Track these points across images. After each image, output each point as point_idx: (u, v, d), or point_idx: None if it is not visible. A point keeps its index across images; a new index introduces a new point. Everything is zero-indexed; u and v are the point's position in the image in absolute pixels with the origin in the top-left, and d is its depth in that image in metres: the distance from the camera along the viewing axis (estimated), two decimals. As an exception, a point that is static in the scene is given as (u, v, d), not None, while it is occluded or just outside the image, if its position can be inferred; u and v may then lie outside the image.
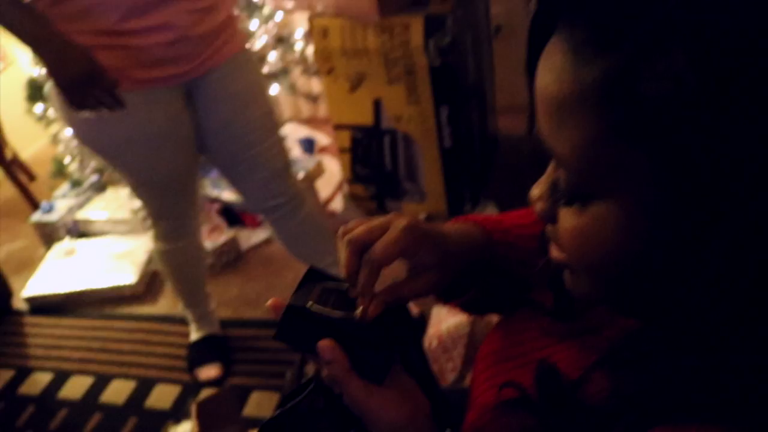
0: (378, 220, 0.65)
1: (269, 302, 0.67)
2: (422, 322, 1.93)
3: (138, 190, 1.76)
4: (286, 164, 1.83)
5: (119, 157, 1.64)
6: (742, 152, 0.38)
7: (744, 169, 0.38)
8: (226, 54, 1.61)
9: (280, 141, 1.80)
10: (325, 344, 0.61)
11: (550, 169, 0.53)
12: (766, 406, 0.43)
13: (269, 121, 1.76)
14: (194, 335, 2.17)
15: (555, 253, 0.55)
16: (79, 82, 1.39)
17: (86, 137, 1.61)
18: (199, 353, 2.13)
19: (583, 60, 0.42)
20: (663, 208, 0.43)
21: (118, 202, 2.97)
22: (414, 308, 2.11)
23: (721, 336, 0.43)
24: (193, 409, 1.70)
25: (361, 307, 0.63)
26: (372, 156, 2.54)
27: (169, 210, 1.81)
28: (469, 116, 2.47)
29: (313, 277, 0.68)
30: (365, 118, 2.45)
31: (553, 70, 0.45)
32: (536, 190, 0.54)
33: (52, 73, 1.41)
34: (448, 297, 0.79)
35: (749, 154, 0.38)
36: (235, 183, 1.82)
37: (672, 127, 0.39)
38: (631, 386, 0.49)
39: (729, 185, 0.39)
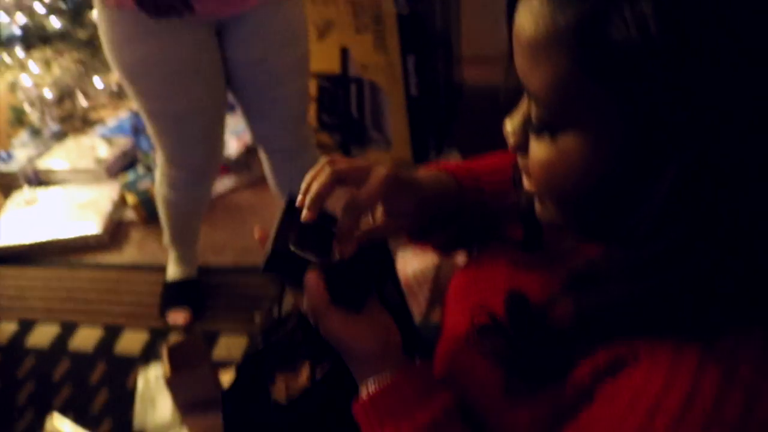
0: (361, 162, 0.70)
1: (256, 233, 0.71)
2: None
3: (155, 125, 1.67)
4: (306, 109, 1.83)
5: (137, 80, 1.57)
6: (697, 95, 0.42)
7: (697, 109, 0.42)
8: None
9: (307, 85, 1.79)
10: (310, 277, 0.65)
11: (523, 103, 0.56)
12: (714, 320, 0.47)
13: (303, 63, 1.73)
14: (172, 274, 2.15)
15: (527, 183, 0.60)
16: None
17: (113, 53, 1.54)
18: (173, 296, 2.13)
19: (560, 4, 0.45)
20: (624, 140, 0.47)
21: (80, 151, 2.91)
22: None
23: (674, 258, 0.46)
24: (164, 351, 1.71)
25: (338, 249, 0.67)
26: (338, 104, 2.54)
27: (187, 157, 1.73)
28: (435, 65, 2.47)
29: (293, 208, 0.70)
30: (332, 66, 2.44)
31: (531, 13, 0.48)
32: (509, 123, 0.58)
33: None
34: (419, 237, 0.82)
35: (703, 97, 0.42)
36: (252, 118, 1.78)
37: (635, 70, 0.43)
38: (592, 307, 0.53)
39: (683, 122, 0.43)
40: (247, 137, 2.55)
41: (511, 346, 0.60)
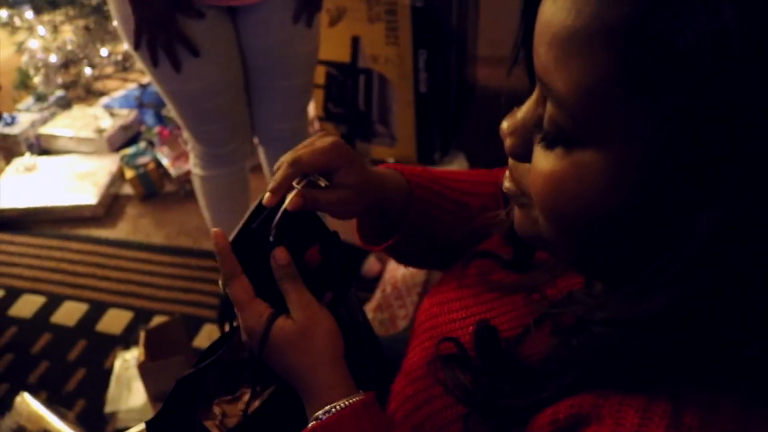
0: (307, 140, 0.69)
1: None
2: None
3: (172, 103, 1.64)
4: (307, 103, 1.81)
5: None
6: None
7: (762, 148, 0.35)
8: None
9: (312, 79, 1.77)
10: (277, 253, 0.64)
11: (530, 102, 0.49)
12: (694, 382, 0.42)
13: (313, 57, 1.71)
14: None
15: (508, 184, 0.54)
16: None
17: (126, 29, 1.49)
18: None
19: None
20: (658, 169, 0.39)
21: (84, 120, 2.89)
22: (375, 266, 2.08)
23: (677, 316, 0.40)
24: (141, 336, 1.68)
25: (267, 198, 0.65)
26: (346, 95, 2.49)
27: (208, 132, 1.68)
28: (447, 62, 2.41)
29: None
30: (342, 55, 2.38)
31: None
32: (509, 123, 0.50)
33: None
34: (371, 240, 0.80)
35: None
36: (254, 106, 1.74)
37: (697, 87, 0.36)
38: (567, 350, 0.47)
39: (740, 160, 0.36)
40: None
41: (476, 380, 0.56)
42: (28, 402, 1.63)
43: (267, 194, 0.65)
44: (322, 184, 0.66)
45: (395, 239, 0.76)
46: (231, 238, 0.65)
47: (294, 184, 0.64)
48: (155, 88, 1.66)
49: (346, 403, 0.60)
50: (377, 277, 1.98)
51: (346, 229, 0.73)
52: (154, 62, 1.47)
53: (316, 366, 0.62)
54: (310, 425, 0.60)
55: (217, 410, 0.68)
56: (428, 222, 0.76)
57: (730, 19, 0.34)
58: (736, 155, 0.36)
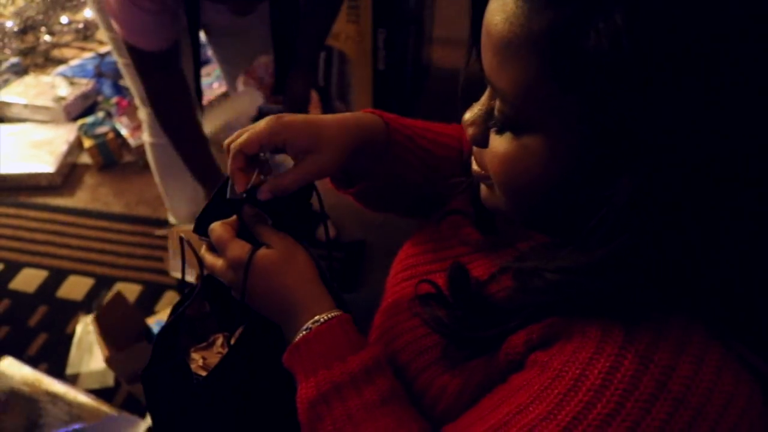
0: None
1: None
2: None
3: (128, 78, 1.66)
4: None
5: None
6: (658, 110, 0.43)
7: (655, 124, 0.44)
8: None
9: None
10: (214, 226, 0.70)
11: (485, 97, 0.58)
12: (644, 308, 0.51)
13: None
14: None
15: (476, 167, 0.62)
16: None
17: None
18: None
19: (535, 8, 0.46)
20: (584, 146, 0.48)
21: (40, 88, 2.87)
22: (330, 230, 2.14)
23: (620, 261, 0.49)
24: (96, 326, 1.71)
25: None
26: (306, 71, 2.53)
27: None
28: (405, 42, 2.48)
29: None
30: (302, 31, 2.42)
31: (504, 12, 0.49)
32: (469, 115, 0.59)
33: None
34: (341, 183, 0.84)
35: (663, 113, 0.43)
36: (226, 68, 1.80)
37: (604, 80, 0.44)
38: (531, 285, 0.56)
39: (641, 135, 0.44)
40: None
41: (449, 314, 0.64)
42: (16, 365, 1.64)
43: (235, 187, 0.70)
44: (289, 162, 0.69)
45: (367, 183, 0.81)
46: (201, 210, 0.72)
47: (254, 178, 0.69)
48: (113, 58, 1.66)
49: (332, 314, 0.66)
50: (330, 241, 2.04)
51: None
52: None
53: (299, 284, 0.68)
54: (299, 336, 0.65)
55: (196, 356, 0.74)
56: (400, 167, 0.80)
57: (620, 22, 0.43)
58: (642, 136, 0.45)
